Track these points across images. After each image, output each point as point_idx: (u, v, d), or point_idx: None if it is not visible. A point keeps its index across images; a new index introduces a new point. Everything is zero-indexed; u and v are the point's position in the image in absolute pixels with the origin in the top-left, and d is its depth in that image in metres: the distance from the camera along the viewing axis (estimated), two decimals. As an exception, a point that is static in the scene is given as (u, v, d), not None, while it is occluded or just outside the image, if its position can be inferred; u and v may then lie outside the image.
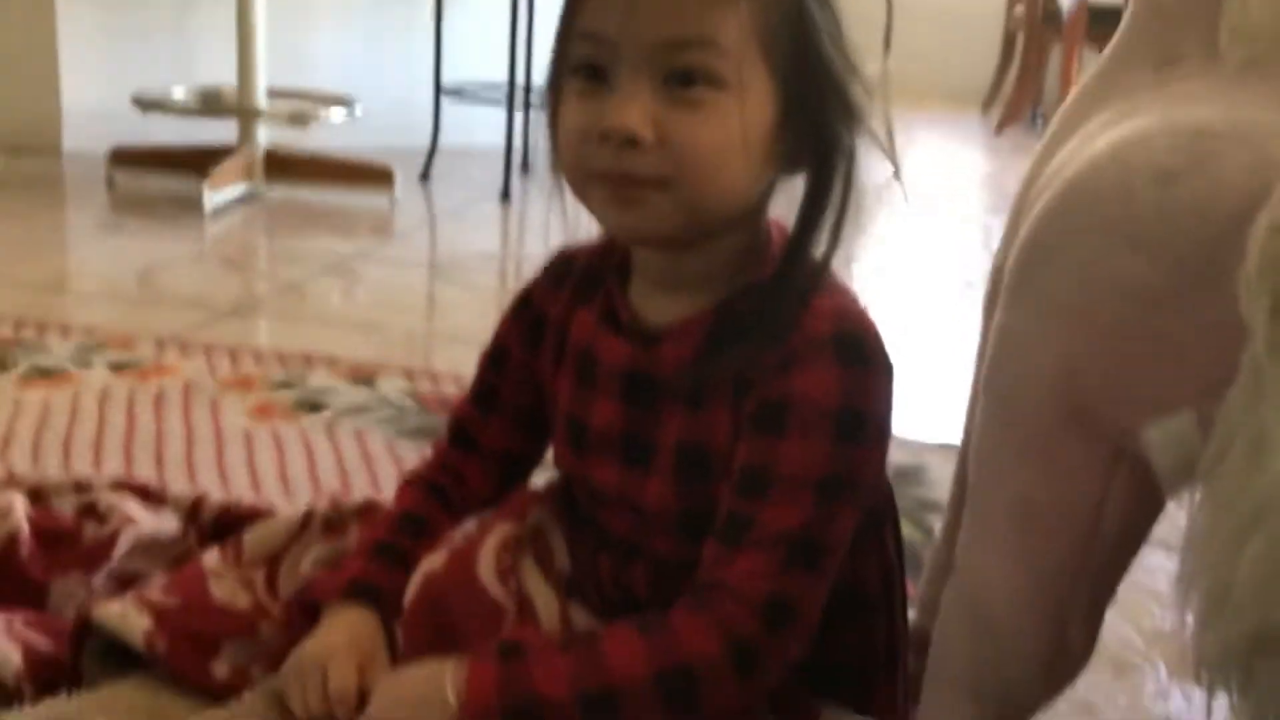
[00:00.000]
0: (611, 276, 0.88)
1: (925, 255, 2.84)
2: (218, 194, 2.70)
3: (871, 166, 0.84)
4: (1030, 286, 0.71)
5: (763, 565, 0.77)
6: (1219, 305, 0.59)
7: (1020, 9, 5.06)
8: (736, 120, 0.76)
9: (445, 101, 3.24)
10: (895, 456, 1.49)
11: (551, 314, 0.91)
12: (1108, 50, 0.96)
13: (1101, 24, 4.28)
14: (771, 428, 0.78)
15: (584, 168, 0.79)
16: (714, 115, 0.76)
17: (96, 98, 3.11)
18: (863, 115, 0.81)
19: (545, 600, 0.86)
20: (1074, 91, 0.97)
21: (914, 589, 1.11)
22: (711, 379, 0.81)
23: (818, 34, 0.79)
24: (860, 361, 0.79)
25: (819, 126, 0.80)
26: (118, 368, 1.69)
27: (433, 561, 0.86)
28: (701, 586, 0.78)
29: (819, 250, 0.82)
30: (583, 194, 0.81)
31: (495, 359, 0.95)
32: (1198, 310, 0.62)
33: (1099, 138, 0.77)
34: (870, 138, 0.83)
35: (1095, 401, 0.67)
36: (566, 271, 0.91)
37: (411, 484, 0.95)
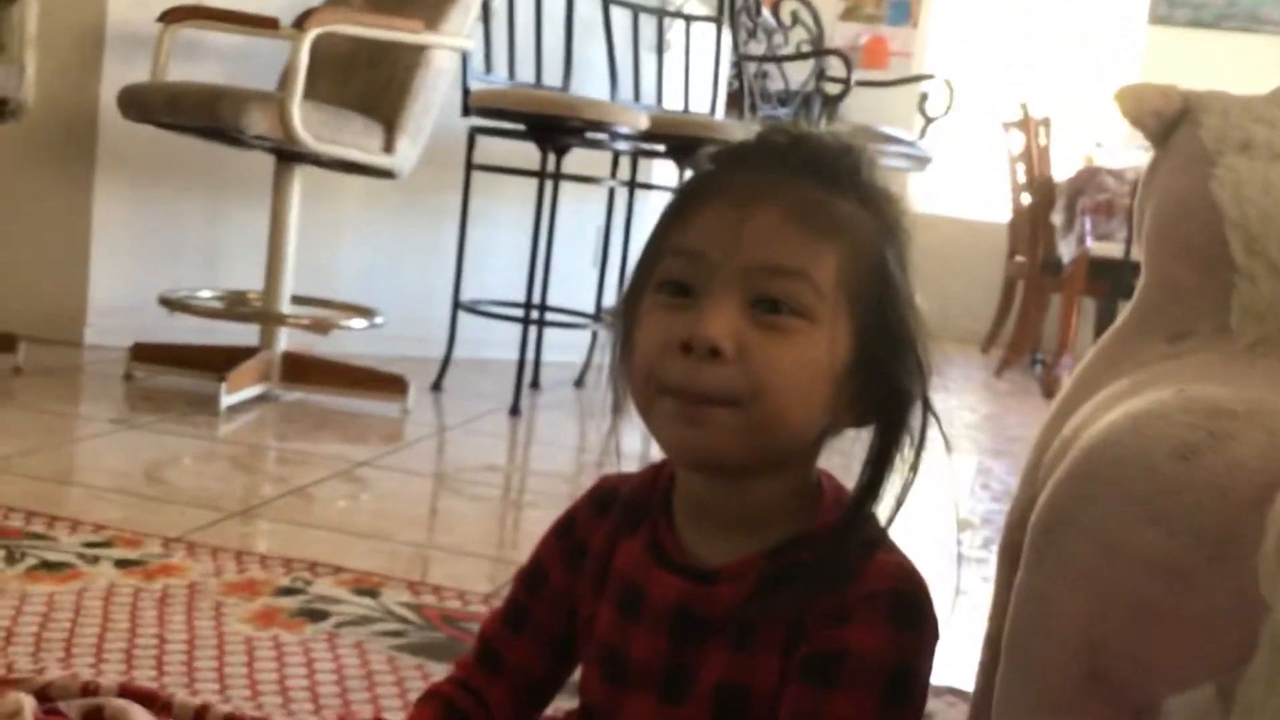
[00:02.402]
0: (657, 509, 0.88)
1: (925, 495, 2.85)
2: (233, 394, 2.74)
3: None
4: (1052, 549, 0.72)
5: None
6: (1238, 582, 0.61)
7: (1020, 258, 5.21)
8: (812, 354, 0.79)
9: (461, 315, 3.32)
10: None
11: (593, 542, 0.91)
12: (1121, 319, 1.01)
13: (1100, 276, 4.40)
14: (824, 678, 0.79)
15: (657, 380, 0.80)
16: (793, 344, 0.78)
17: (124, 294, 3.19)
18: (930, 376, 0.84)
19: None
20: (1088, 356, 1.01)
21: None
22: (765, 622, 0.82)
23: (897, 292, 0.83)
24: (914, 623, 0.81)
25: (889, 380, 0.82)
26: (124, 565, 1.69)
27: None
28: None
29: (882, 506, 0.84)
30: (648, 409, 0.81)
31: (531, 579, 0.95)
32: (1217, 586, 0.64)
33: (1116, 406, 0.80)
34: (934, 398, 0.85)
35: (1116, 669, 0.68)
36: (610, 501, 0.92)
37: (433, 698, 0.94)
